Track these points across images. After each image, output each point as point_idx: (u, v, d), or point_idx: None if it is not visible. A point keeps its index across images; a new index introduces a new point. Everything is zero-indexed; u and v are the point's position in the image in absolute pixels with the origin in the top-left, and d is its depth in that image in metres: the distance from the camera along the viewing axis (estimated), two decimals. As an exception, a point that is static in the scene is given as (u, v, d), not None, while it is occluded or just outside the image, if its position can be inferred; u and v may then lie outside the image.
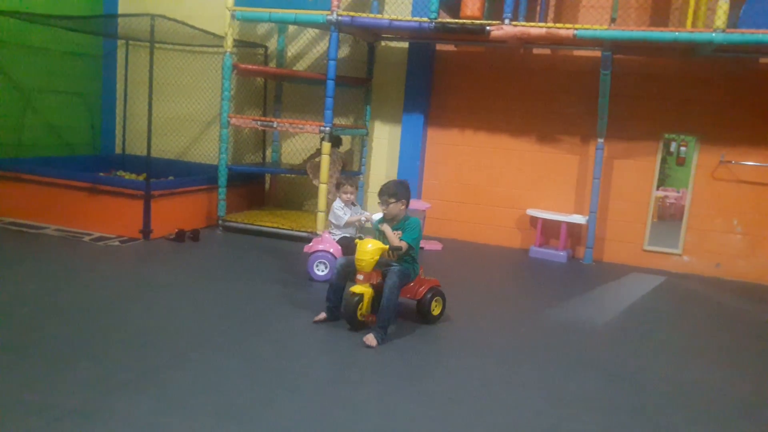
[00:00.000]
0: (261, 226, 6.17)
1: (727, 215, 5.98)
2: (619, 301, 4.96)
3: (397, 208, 3.79)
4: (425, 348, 3.60)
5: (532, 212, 6.35)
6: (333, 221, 4.84)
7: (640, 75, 6.10)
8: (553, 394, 3.10)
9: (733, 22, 5.05)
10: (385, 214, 3.84)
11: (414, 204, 6.20)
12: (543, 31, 5.39)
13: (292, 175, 7.15)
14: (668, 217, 6.24)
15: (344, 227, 4.81)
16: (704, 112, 5.97)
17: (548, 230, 6.39)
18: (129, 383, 2.83)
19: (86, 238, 5.48)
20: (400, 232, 3.76)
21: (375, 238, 3.82)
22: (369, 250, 3.62)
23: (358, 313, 3.66)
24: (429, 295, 3.92)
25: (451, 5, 5.85)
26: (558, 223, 6.21)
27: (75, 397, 2.67)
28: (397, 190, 3.80)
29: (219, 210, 6.29)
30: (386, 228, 3.77)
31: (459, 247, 6.41)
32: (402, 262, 3.77)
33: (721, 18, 4.93)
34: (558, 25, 5.44)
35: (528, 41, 5.86)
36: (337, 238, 4.82)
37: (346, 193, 4.73)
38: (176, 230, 5.74)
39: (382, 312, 3.58)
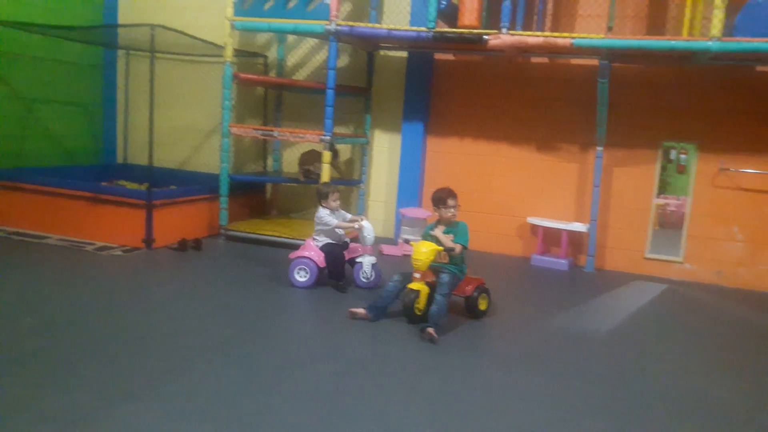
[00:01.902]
0: (263, 234, 6.19)
1: (728, 222, 6.00)
2: (620, 309, 4.97)
3: (456, 213, 4.16)
4: (425, 354, 3.61)
5: (533, 220, 6.37)
6: (321, 227, 4.87)
7: (638, 83, 6.14)
8: (555, 402, 3.11)
9: (728, 30, 5.09)
10: (441, 220, 4.17)
11: (414, 212, 6.24)
12: (540, 40, 5.44)
13: (293, 184, 7.17)
14: (669, 224, 6.25)
15: (329, 234, 4.87)
16: (703, 119, 6.00)
17: (549, 238, 6.40)
18: (133, 391, 2.85)
19: (89, 248, 5.50)
20: (452, 235, 4.10)
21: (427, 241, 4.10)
22: (424, 251, 3.96)
23: (415, 308, 3.99)
24: (476, 293, 4.25)
25: (449, 14, 5.89)
26: (559, 231, 6.23)
27: (80, 405, 2.69)
28: (456, 197, 4.17)
29: (221, 219, 6.32)
30: (438, 233, 4.10)
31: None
32: (454, 263, 4.12)
33: (716, 26, 4.97)
34: (555, 34, 5.49)
35: (526, 50, 5.90)
36: (320, 245, 4.86)
37: (335, 200, 4.86)
38: (179, 239, 5.76)
39: (433, 316, 3.88)
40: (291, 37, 7.19)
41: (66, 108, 7.43)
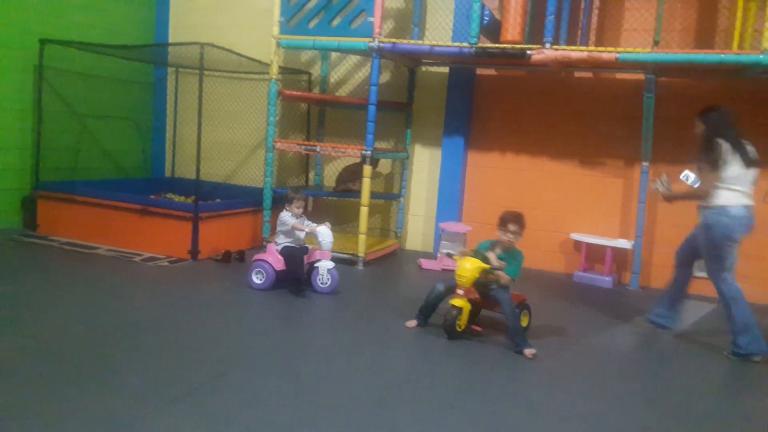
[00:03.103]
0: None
1: (781, 240, 5.77)
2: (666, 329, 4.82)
3: (514, 241, 4.10)
4: (465, 369, 3.58)
5: (576, 236, 6.27)
6: (280, 227, 5.01)
7: (686, 97, 6.00)
8: (596, 425, 3.04)
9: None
10: (506, 241, 4.09)
11: (454, 227, 6.23)
12: (584, 54, 5.39)
13: (334, 198, 7.26)
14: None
15: (288, 237, 4.99)
16: (754, 133, 5.78)
17: (593, 255, 6.28)
18: (176, 399, 2.92)
19: (137, 258, 5.68)
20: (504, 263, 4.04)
21: (476, 258, 4.05)
22: (469, 268, 3.93)
23: (457, 324, 3.98)
24: (518, 310, 4.14)
25: (492, 30, 5.91)
26: (603, 247, 6.11)
27: (125, 410, 2.77)
28: (520, 224, 4.08)
29: (264, 232, 6.44)
30: (492, 256, 4.05)
31: (500, 271, 6.36)
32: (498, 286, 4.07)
33: (768, 39, 4.84)
34: (600, 48, 5.43)
35: (569, 65, 5.86)
36: (280, 248, 4.97)
37: (298, 207, 5.00)
38: (223, 251, 5.89)
39: (516, 338, 3.90)
40: (334, 54, 7.32)
41: (118, 123, 7.73)
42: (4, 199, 6.49)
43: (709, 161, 4.07)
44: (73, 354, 3.37)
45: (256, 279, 4.93)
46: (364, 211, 5.93)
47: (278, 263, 4.90)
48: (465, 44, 5.68)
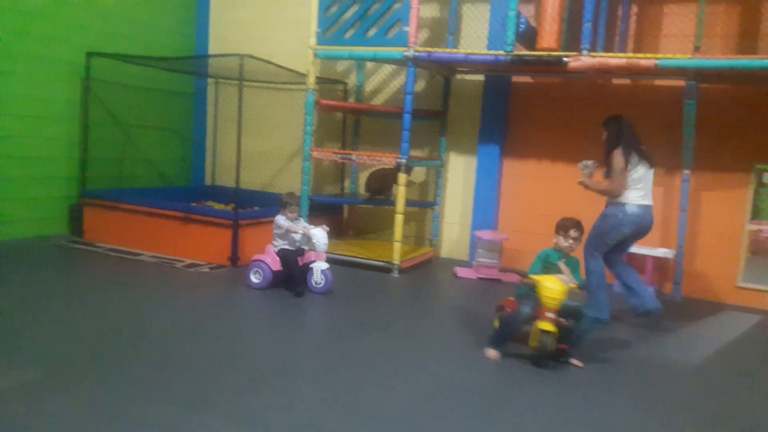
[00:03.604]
0: (340, 254, 6.34)
1: (830, 250, 5.58)
2: (710, 340, 4.71)
3: (575, 247, 3.98)
4: (508, 380, 3.57)
5: (614, 245, 6.16)
6: (276, 231, 5.19)
7: (729, 103, 5.87)
8: (638, 435, 3.00)
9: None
10: (566, 248, 3.97)
11: (491, 235, 6.21)
12: (623, 61, 5.33)
13: (369, 206, 7.33)
14: (764, 252, 5.89)
15: (284, 239, 5.17)
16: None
17: (633, 264, 6.13)
18: (218, 404, 2.99)
19: (179, 265, 5.83)
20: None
21: (550, 270, 3.89)
22: (559, 289, 3.68)
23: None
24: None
25: (528, 37, 5.89)
26: (643, 256, 5.99)
27: (168, 414, 2.85)
28: (581, 230, 4.01)
29: (299, 239, 6.53)
30: (564, 267, 3.91)
31: (536, 280, 6.31)
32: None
33: (816, 43, 4.71)
34: (638, 55, 5.36)
35: (607, 72, 5.79)
36: (277, 249, 5.16)
37: (292, 212, 5.16)
38: (259, 258, 5.99)
39: (576, 342, 3.87)
40: (369, 64, 7.40)
41: (160, 133, 7.97)
42: (52, 206, 6.75)
43: (608, 167, 4.59)
44: (118, 358, 3.49)
45: (254, 278, 5.14)
46: (399, 218, 5.96)
47: (275, 264, 5.11)
48: (500, 52, 5.68)
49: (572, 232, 3.94)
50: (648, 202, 4.58)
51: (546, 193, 6.64)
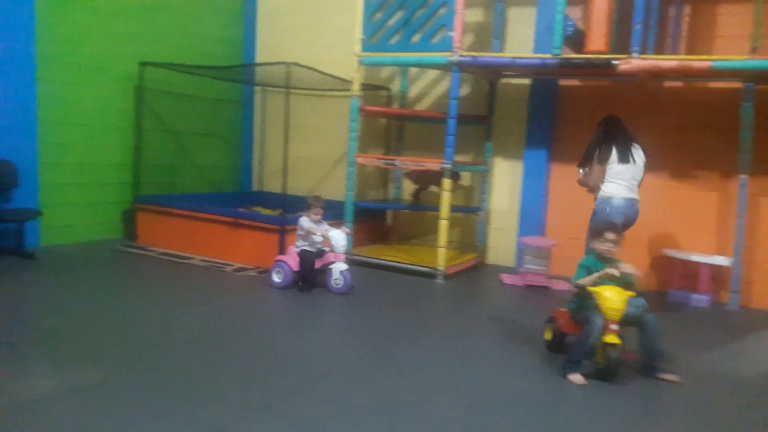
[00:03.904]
0: (385, 260, 6.35)
1: None
2: (768, 351, 4.52)
3: (612, 251, 3.87)
4: (557, 390, 3.51)
5: (670, 252, 5.98)
6: (299, 231, 5.37)
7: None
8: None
9: None
10: (605, 251, 3.87)
11: (538, 241, 6.12)
12: (675, 63, 5.19)
13: (413, 211, 7.33)
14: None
15: (305, 240, 5.34)
16: None
17: (688, 272, 5.97)
18: (263, 407, 3.04)
19: (228, 269, 5.95)
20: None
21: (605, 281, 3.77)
22: (620, 300, 3.59)
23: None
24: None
25: (575, 40, 5.79)
26: (698, 264, 5.80)
27: (218, 416, 2.91)
28: (618, 234, 3.90)
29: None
30: (616, 272, 3.76)
31: (584, 287, 6.17)
32: None
33: None
34: (691, 56, 5.21)
35: (658, 74, 5.65)
36: (298, 250, 5.32)
37: (316, 214, 5.32)
38: (305, 263, 6.06)
39: (659, 359, 3.73)
40: (413, 69, 7.42)
41: (209, 140, 8.17)
42: (107, 211, 7.01)
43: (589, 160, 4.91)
44: (170, 361, 3.59)
45: (276, 278, 5.34)
46: (443, 224, 5.94)
47: (296, 264, 5.30)
48: (548, 55, 5.60)
49: (607, 235, 3.87)
50: (632, 195, 4.78)
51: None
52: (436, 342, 4.29)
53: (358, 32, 6.34)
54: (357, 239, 6.75)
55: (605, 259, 3.88)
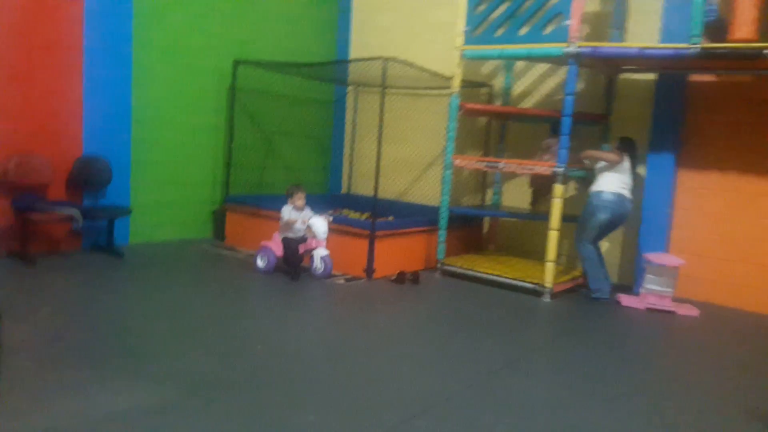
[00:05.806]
0: (482, 272, 5.78)
1: None
2: None
3: None
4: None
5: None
6: (280, 220, 5.50)
7: None
8: None
9: None
10: None
11: (664, 259, 5.33)
12: None
13: (514, 219, 6.71)
14: None
15: (288, 228, 5.44)
16: None
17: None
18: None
19: (315, 274, 5.61)
20: None
21: None
22: None
23: None
24: None
25: (713, 28, 4.99)
26: None
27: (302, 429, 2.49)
28: None
29: (438, 253, 6.06)
30: None
31: (721, 315, 5.27)
32: None
33: None
34: None
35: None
36: (281, 237, 5.49)
37: (299, 199, 5.45)
38: (397, 271, 5.62)
39: None
40: (518, 65, 6.80)
41: (300, 141, 7.92)
42: (196, 210, 6.90)
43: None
44: (247, 377, 3.22)
45: (261, 262, 5.58)
46: (553, 235, 5.29)
47: (279, 250, 5.51)
48: (684, 45, 4.83)
49: None
50: (623, 191, 5.34)
51: (732, 210, 5.61)
52: (549, 376, 3.68)
53: (460, 24, 5.82)
54: (450, 248, 6.20)
55: None
